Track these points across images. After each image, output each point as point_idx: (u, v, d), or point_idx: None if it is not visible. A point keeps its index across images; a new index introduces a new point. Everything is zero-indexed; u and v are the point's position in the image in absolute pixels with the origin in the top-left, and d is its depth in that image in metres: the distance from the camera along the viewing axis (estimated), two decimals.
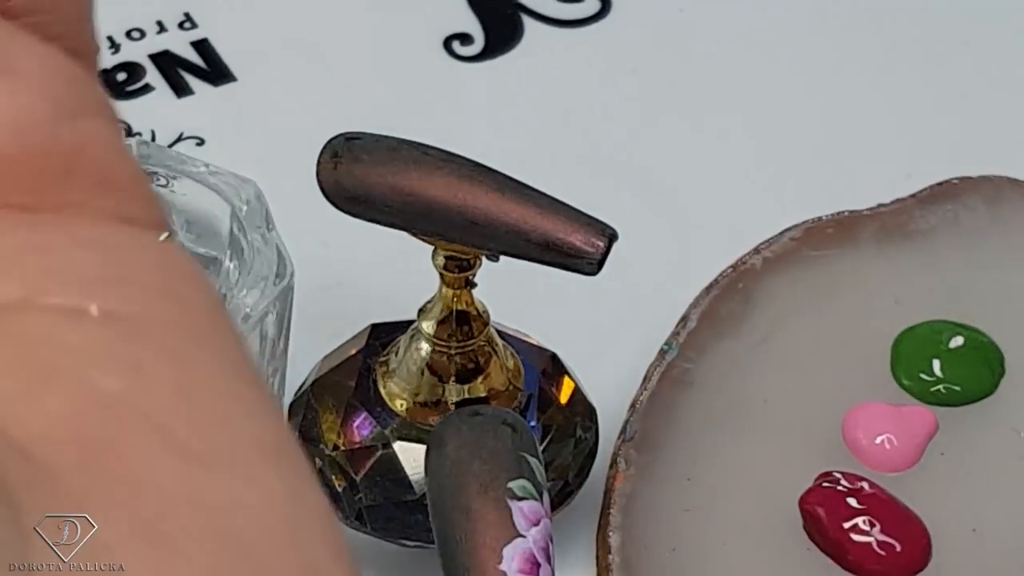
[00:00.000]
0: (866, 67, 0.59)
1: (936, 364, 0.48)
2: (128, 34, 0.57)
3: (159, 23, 0.57)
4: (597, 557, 0.43)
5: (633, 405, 0.46)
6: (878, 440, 0.46)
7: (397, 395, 0.44)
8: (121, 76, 0.56)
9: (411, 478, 0.43)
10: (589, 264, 0.41)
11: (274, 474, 0.23)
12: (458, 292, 0.43)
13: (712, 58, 0.60)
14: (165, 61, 0.57)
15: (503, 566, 0.38)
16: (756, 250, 0.50)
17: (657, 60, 0.59)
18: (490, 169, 0.41)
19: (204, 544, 0.22)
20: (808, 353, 0.48)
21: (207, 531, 0.22)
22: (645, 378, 0.46)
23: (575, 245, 0.41)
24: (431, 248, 0.43)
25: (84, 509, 0.22)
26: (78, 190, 0.26)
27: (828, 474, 0.45)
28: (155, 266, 0.26)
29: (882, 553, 0.44)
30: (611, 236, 0.42)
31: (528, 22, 0.58)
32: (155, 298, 0.25)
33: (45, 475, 0.22)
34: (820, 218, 0.51)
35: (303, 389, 0.45)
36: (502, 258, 0.42)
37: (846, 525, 0.44)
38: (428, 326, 0.43)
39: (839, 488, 0.45)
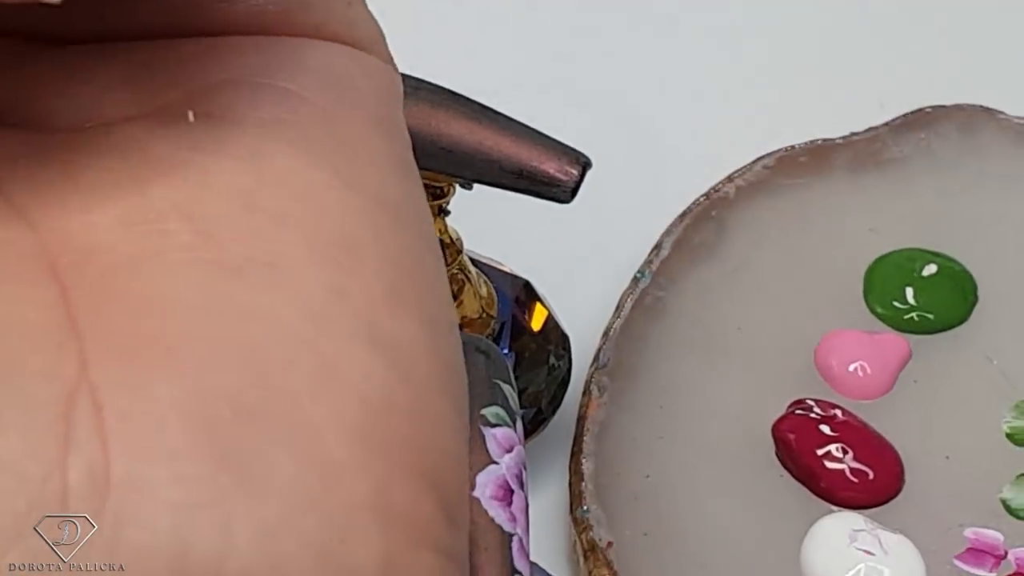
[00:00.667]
0: None
1: (909, 292, 0.48)
2: None
3: None
4: (570, 484, 0.43)
5: (606, 333, 0.46)
6: (851, 367, 0.46)
7: None
8: None
9: None
10: (563, 192, 0.41)
11: (318, 275, 0.23)
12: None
13: None
14: None
15: (476, 492, 0.38)
16: (729, 178, 0.50)
17: None
18: (463, 96, 0.41)
19: (197, 351, 0.22)
20: (781, 281, 0.49)
21: (205, 339, 0.22)
22: (618, 306, 0.46)
23: (548, 173, 0.40)
24: None
25: (78, 326, 0.22)
26: None
27: (801, 401, 0.46)
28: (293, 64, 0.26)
29: (855, 480, 0.44)
30: (584, 164, 0.42)
31: None
32: (266, 100, 0.26)
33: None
34: (793, 147, 0.51)
35: None
36: (475, 186, 0.42)
37: (819, 452, 0.44)
38: None
39: (812, 415, 0.45)
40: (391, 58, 0.27)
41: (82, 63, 0.26)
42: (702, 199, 0.49)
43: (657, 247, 0.48)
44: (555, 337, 0.46)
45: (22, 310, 0.23)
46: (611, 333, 0.46)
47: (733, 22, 0.59)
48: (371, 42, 0.27)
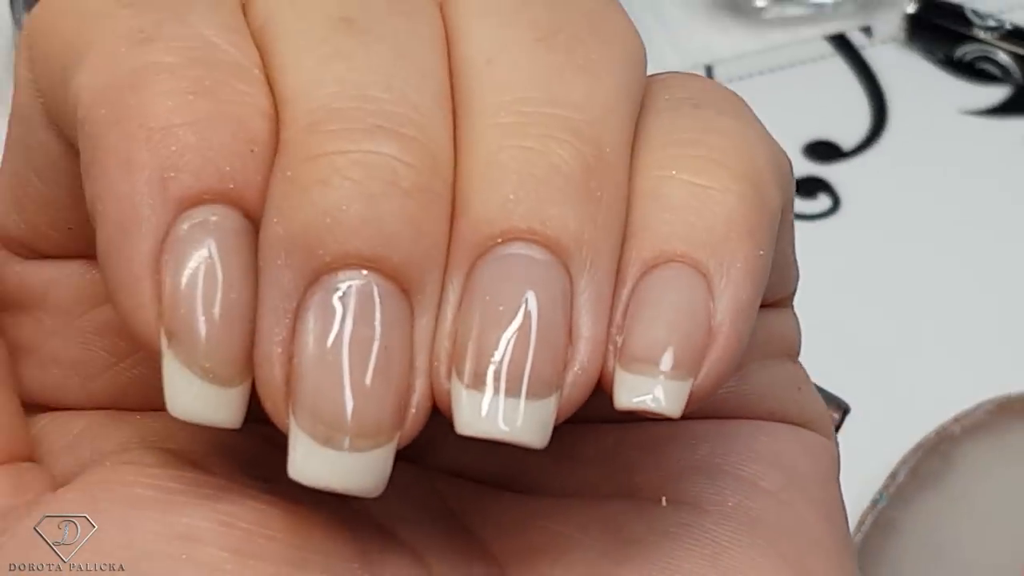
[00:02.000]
0: None
1: None
2: None
3: None
4: None
5: None
6: None
7: None
8: None
9: None
10: None
11: None
12: None
13: (929, 257, 0.60)
14: None
15: None
16: (956, 419, 0.51)
17: (883, 256, 0.59)
18: None
19: None
20: (997, 509, 0.49)
21: None
22: (859, 523, 0.47)
23: None
24: None
25: None
26: None
27: None
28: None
29: None
30: (845, 410, 0.45)
31: None
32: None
33: None
34: (1009, 395, 0.51)
35: None
36: None
37: None
38: None
39: None
40: (831, 431, 0.28)
41: (567, 439, 0.26)
42: (933, 435, 0.50)
43: (894, 474, 0.48)
44: None
45: None
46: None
47: (966, 290, 0.59)
48: (815, 420, 0.28)
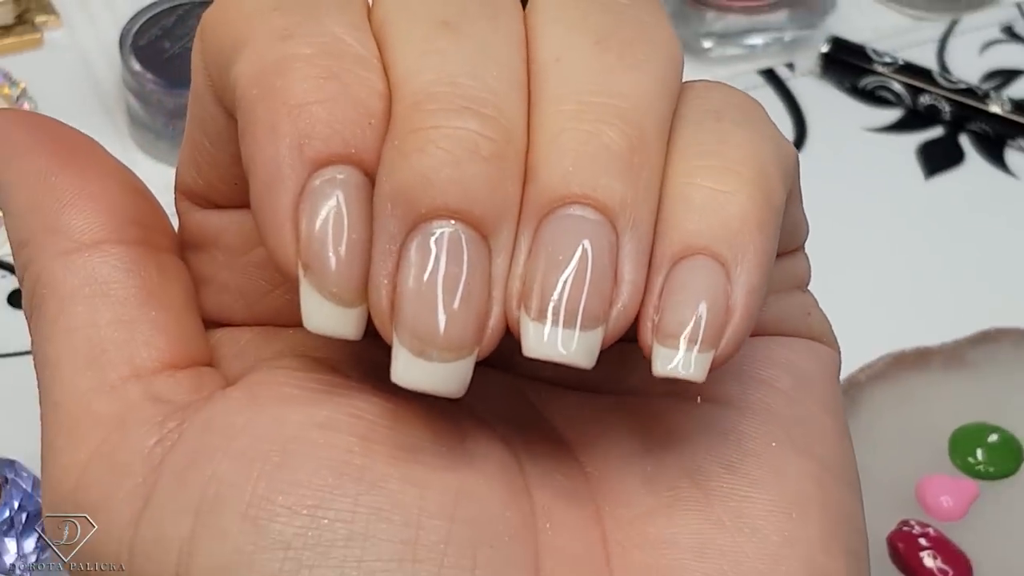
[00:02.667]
0: (948, 254, 0.63)
1: (979, 452, 0.52)
2: None
3: None
4: None
5: None
6: (939, 500, 0.51)
7: None
8: None
9: None
10: None
11: (775, 526, 0.25)
12: None
13: (839, 242, 0.62)
14: None
15: None
16: (861, 370, 0.54)
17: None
18: None
19: None
20: (895, 440, 0.53)
21: (694, 572, 0.25)
22: None
23: None
24: None
25: (610, 564, 0.25)
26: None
27: (906, 522, 0.50)
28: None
29: None
30: None
31: None
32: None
33: None
34: (904, 350, 0.55)
35: None
36: None
37: (920, 555, 0.49)
38: None
39: (914, 531, 0.49)
40: (834, 340, 0.29)
41: (626, 351, 0.26)
42: (843, 383, 0.53)
43: None
44: None
45: (571, 544, 0.24)
46: None
47: (867, 260, 0.62)
48: (822, 336, 0.29)
